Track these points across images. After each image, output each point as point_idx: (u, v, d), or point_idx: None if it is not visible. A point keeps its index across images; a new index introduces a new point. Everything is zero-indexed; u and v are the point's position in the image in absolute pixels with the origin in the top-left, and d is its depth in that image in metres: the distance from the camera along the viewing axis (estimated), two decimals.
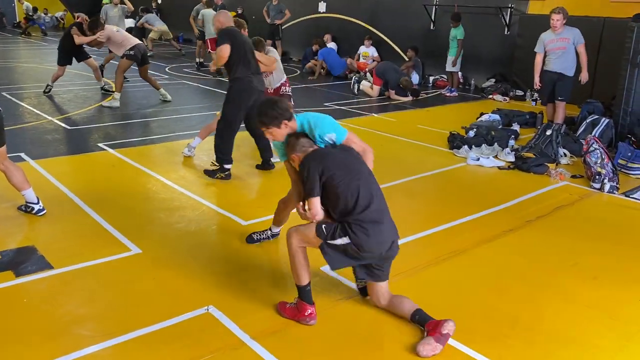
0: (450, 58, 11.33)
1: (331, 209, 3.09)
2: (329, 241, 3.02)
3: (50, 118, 7.84)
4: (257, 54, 5.82)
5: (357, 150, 3.31)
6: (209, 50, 12.20)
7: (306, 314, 3.10)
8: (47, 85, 9.64)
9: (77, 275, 3.59)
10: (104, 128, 7.50)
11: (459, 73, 11.74)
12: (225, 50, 5.26)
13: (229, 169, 5.57)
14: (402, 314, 3.16)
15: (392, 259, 3.20)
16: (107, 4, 21.31)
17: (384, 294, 3.23)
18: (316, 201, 3.04)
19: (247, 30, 6.30)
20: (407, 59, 12.66)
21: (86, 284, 3.49)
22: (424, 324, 3.02)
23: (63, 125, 7.51)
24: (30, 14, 21.42)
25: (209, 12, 12.22)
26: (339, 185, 3.00)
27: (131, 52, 8.92)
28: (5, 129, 4.30)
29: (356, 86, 11.06)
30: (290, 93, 6.79)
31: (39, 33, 21.07)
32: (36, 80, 11.19)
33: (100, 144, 6.64)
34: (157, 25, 15.35)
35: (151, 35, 15.19)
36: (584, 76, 7.54)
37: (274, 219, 4.10)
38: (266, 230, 4.18)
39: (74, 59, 9.57)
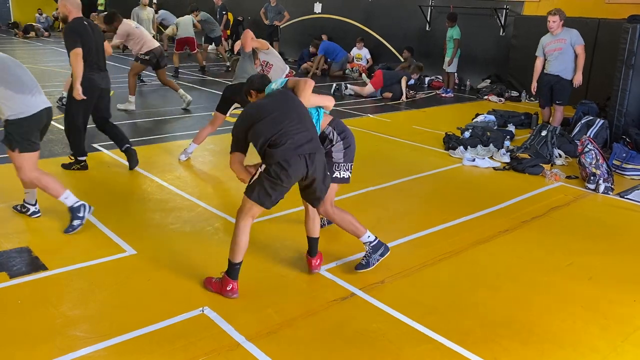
0: (447, 59, 11.34)
1: None
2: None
3: None
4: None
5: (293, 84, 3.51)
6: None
7: (228, 288, 3.34)
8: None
9: (72, 277, 3.58)
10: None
11: (455, 74, 11.75)
12: (77, 57, 5.25)
13: (83, 161, 5.76)
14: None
15: None
16: (101, 7, 21.37)
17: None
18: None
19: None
20: (402, 60, 12.69)
21: (81, 285, 3.48)
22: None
23: (57, 125, 7.47)
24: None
25: (146, 12, 11.95)
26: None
27: (146, 57, 8.67)
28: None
29: (337, 94, 10.77)
30: None
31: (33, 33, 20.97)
32: None
33: (94, 145, 6.62)
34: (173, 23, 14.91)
35: (167, 31, 14.18)
36: (577, 79, 7.43)
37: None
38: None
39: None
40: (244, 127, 3.29)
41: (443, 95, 11.31)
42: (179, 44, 12.53)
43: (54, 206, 4.71)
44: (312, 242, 3.74)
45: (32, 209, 4.46)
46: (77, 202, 4.24)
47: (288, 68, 6.61)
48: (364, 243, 3.79)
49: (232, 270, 3.35)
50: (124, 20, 8.75)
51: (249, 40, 5.83)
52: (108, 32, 8.49)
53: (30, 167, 4.07)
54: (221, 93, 6.14)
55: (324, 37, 14.18)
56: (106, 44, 6.19)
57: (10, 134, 4.00)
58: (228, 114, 6.08)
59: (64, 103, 8.23)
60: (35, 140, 4.12)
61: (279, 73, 6.19)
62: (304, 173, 3.27)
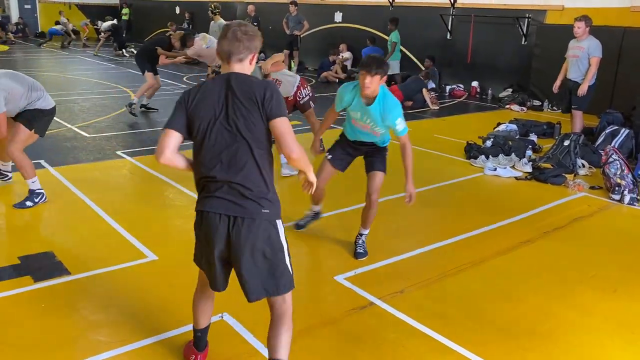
0: (392, 62, 11.68)
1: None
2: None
3: (69, 126, 7.96)
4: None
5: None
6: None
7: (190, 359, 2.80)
8: (136, 104, 8.86)
9: (94, 281, 3.62)
10: (122, 136, 7.59)
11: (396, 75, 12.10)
12: None
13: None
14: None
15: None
16: (124, 16, 21.73)
17: None
18: None
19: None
20: (423, 68, 12.64)
21: (103, 290, 3.52)
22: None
23: (82, 133, 7.62)
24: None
25: None
26: None
27: (220, 70, 8.58)
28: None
29: None
30: (308, 95, 6.74)
31: (58, 43, 21.38)
32: (57, 89, 11.38)
33: (118, 152, 6.72)
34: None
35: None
36: (581, 89, 7.26)
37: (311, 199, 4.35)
38: (307, 212, 4.48)
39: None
40: None
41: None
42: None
43: (74, 212, 4.79)
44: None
45: (10, 175, 5.37)
46: (40, 189, 4.87)
47: (298, 78, 6.67)
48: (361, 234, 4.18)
49: (195, 337, 2.79)
50: (196, 40, 8.79)
51: (270, 66, 6.11)
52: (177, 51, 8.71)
53: (24, 146, 4.79)
54: None
55: (342, 46, 14.17)
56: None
57: (35, 117, 4.72)
58: None
59: (132, 110, 8.59)
60: (46, 128, 4.98)
61: (288, 88, 6.42)
62: (223, 243, 2.39)
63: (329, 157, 4.18)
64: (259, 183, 2.37)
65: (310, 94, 6.78)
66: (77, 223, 4.57)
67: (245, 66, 2.44)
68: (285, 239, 2.48)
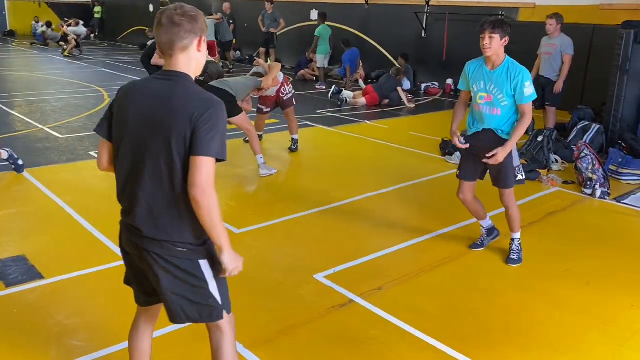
0: (319, 56, 12.15)
1: None
2: None
3: (41, 127, 7.80)
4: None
5: None
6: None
7: None
8: None
9: (69, 285, 3.56)
10: (95, 136, 7.42)
11: (322, 68, 12.59)
12: None
13: None
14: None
15: None
16: (97, 14, 21.35)
17: None
18: None
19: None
20: (398, 66, 12.67)
21: (78, 294, 3.46)
22: None
23: (54, 133, 7.47)
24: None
25: None
26: None
27: (200, 78, 7.84)
28: None
29: (337, 96, 10.75)
30: (291, 92, 6.82)
31: (28, 42, 20.94)
32: (27, 88, 11.15)
33: (92, 153, 6.60)
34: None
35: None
36: (557, 87, 7.50)
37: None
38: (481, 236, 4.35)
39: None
40: None
41: (317, 87, 12.23)
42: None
43: (47, 214, 4.70)
44: None
45: None
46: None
47: (282, 75, 6.70)
48: (513, 239, 4.14)
49: None
50: None
51: (270, 82, 6.32)
52: None
53: None
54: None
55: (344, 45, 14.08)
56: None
57: None
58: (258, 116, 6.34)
59: None
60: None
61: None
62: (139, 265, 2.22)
63: (458, 174, 4.17)
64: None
65: (293, 92, 6.85)
66: (50, 226, 4.48)
67: (191, 55, 2.05)
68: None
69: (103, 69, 14.40)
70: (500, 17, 11.33)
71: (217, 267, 2.14)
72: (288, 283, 3.73)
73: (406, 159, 6.97)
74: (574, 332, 3.25)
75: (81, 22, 18.82)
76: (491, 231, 4.33)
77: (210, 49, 12.87)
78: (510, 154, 3.89)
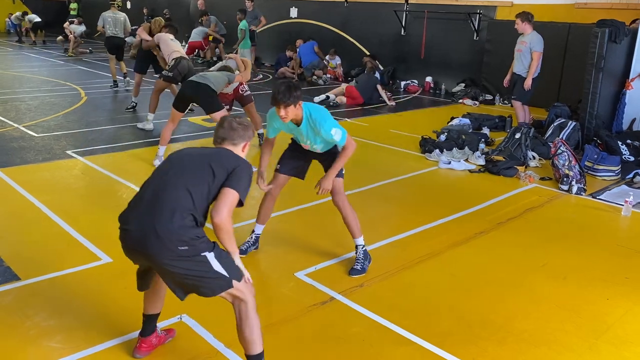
0: (241, 50, 12.35)
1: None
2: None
3: (15, 125, 7.66)
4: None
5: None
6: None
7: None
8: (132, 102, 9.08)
9: (46, 286, 3.50)
10: (72, 135, 7.36)
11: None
12: None
13: None
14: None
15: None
16: (73, 12, 20.97)
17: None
18: None
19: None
20: (369, 64, 12.63)
21: (55, 295, 3.41)
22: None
23: (29, 132, 7.34)
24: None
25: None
26: None
27: (169, 74, 7.36)
28: None
29: (327, 102, 10.72)
30: (248, 92, 6.89)
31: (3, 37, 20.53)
32: (1, 86, 10.92)
33: (68, 152, 6.51)
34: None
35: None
36: (526, 83, 7.63)
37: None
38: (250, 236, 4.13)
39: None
40: None
41: (253, 79, 12.29)
42: (190, 48, 13.77)
43: (23, 214, 4.62)
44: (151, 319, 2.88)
45: None
46: None
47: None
48: (357, 245, 3.86)
49: (142, 322, 2.85)
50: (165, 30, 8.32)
51: (248, 76, 6.61)
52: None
53: None
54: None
55: (299, 42, 14.18)
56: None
57: None
58: (185, 112, 6.28)
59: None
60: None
61: (232, 84, 6.65)
62: (145, 264, 2.60)
63: (278, 167, 3.93)
64: None
65: (249, 92, 6.99)
66: (26, 226, 4.41)
67: (236, 152, 2.71)
68: None
69: (79, 67, 14.18)
70: (479, 14, 11.44)
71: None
72: (269, 281, 3.73)
73: (386, 156, 7.01)
74: (551, 325, 3.30)
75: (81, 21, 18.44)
76: (257, 241, 4.12)
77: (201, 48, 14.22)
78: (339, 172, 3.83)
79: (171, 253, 2.37)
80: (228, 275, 2.48)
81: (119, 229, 2.55)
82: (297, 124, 3.63)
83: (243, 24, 12.64)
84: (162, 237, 2.35)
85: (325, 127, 3.57)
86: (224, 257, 2.51)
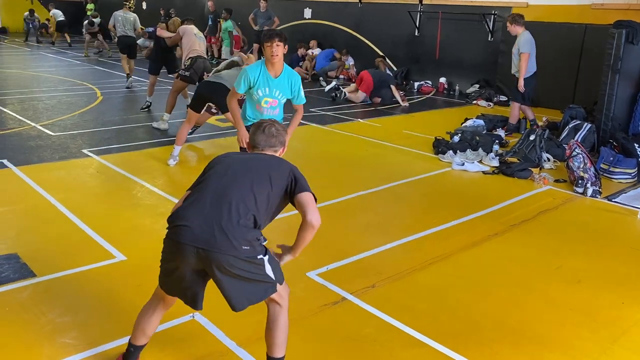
0: (225, 48, 12.64)
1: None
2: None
3: (33, 124, 7.76)
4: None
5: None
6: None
7: None
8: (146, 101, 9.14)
9: (61, 283, 3.55)
10: (88, 134, 7.44)
11: None
12: None
13: None
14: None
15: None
16: (89, 12, 21.17)
17: None
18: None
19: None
20: (381, 64, 12.67)
21: (70, 292, 3.45)
22: None
23: (46, 131, 7.43)
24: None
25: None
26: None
27: (186, 73, 7.46)
28: None
29: (335, 91, 10.88)
30: None
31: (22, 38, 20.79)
32: (19, 86, 11.07)
33: (84, 150, 6.58)
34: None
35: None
36: (519, 84, 7.83)
37: None
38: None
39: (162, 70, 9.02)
40: None
41: None
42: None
43: (39, 212, 4.68)
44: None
45: None
46: None
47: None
48: None
49: (128, 352, 2.72)
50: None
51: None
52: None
53: None
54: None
55: (313, 42, 14.25)
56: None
57: None
58: (202, 112, 6.32)
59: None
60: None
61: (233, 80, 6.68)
62: (192, 265, 2.44)
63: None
64: None
65: None
66: (43, 224, 4.46)
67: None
68: None
69: (96, 67, 14.33)
70: (493, 15, 11.38)
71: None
72: None
73: (399, 157, 6.99)
74: (565, 329, 3.27)
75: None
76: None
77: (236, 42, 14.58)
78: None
79: (234, 251, 2.34)
80: (274, 279, 2.52)
81: (172, 227, 2.49)
82: (275, 75, 4.08)
83: (227, 24, 12.73)
84: (227, 234, 2.34)
85: (299, 83, 4.21)
86: (274, 261, 2.56)
